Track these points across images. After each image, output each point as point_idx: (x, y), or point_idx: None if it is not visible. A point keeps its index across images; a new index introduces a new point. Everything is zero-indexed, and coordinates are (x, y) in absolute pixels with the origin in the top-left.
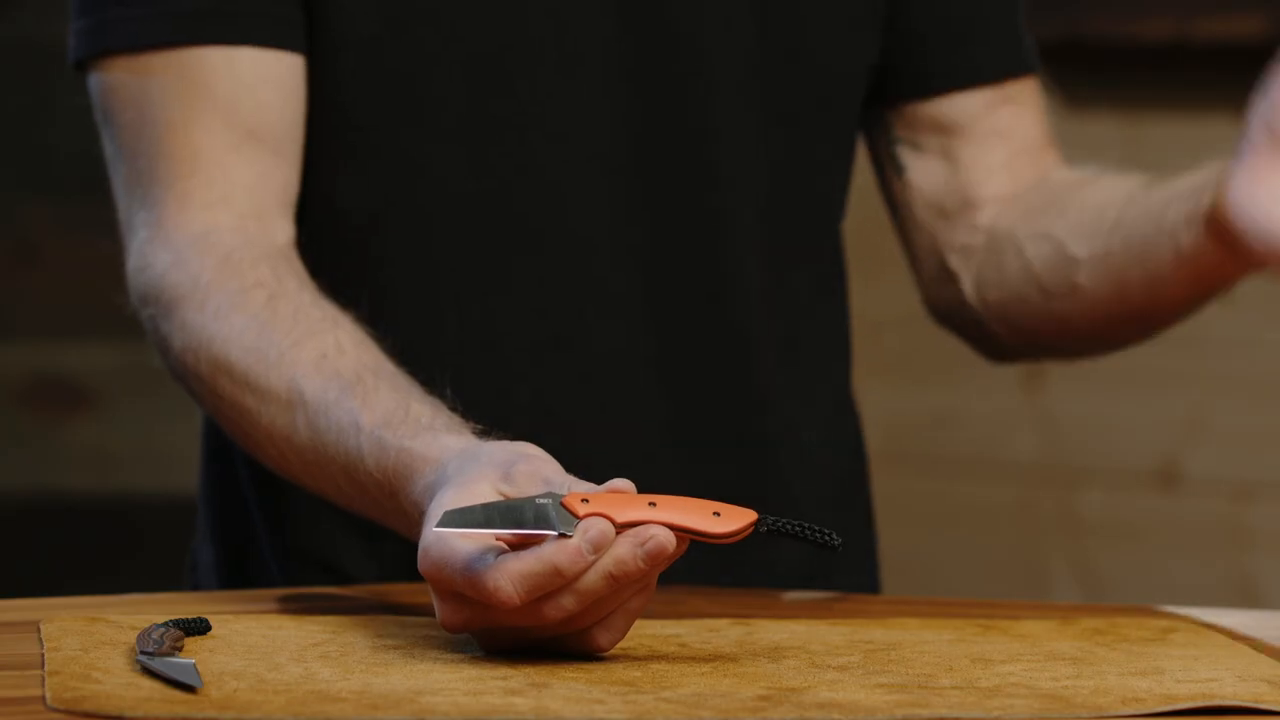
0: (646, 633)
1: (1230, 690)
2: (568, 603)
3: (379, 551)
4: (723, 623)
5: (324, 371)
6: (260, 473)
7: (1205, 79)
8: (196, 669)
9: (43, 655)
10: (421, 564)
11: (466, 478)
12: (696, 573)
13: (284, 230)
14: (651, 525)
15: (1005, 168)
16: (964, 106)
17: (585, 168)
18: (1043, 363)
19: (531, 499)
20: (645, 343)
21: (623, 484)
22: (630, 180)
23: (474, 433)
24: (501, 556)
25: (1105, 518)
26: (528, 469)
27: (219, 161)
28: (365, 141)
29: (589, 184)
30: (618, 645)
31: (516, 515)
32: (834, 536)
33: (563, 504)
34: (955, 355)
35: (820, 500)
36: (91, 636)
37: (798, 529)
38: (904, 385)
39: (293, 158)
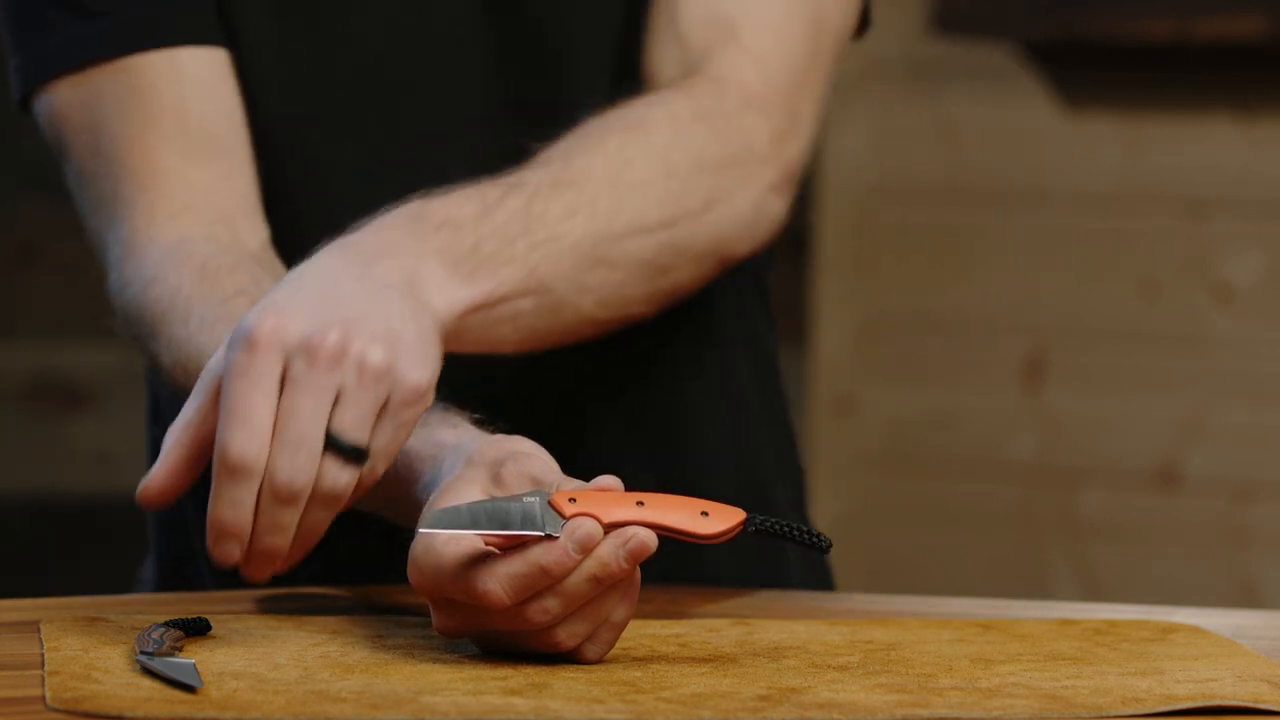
0: (646, 633)
1: (1230, 690)
2: (552, 605)
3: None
4: (723, 623)
5: None
6: (200, 487)
7: (1205, 79)
8: (196, 669)
9: (43, 655)
10: (410, 573)
11: (457, 480)
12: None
13: (255, 232)
14: (633, 524)
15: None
16: None
17: (472, 165)
18: (1043, 361)
19: (519, 498)
20: None
21: (610, 481)
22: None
23: (470, 421)
24: (489, 559)
25: (1105, 518)
26: (516, 469)
27: (178, 170)
28: (271, 144)
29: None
30: (617, 646)
31: (503, 516)
32: (822, 538)
33: (550, 503)
34: (955, 355)
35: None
36: (91, 636)
37: (786, 529)
38: (904, 385)
39: (247, 154)
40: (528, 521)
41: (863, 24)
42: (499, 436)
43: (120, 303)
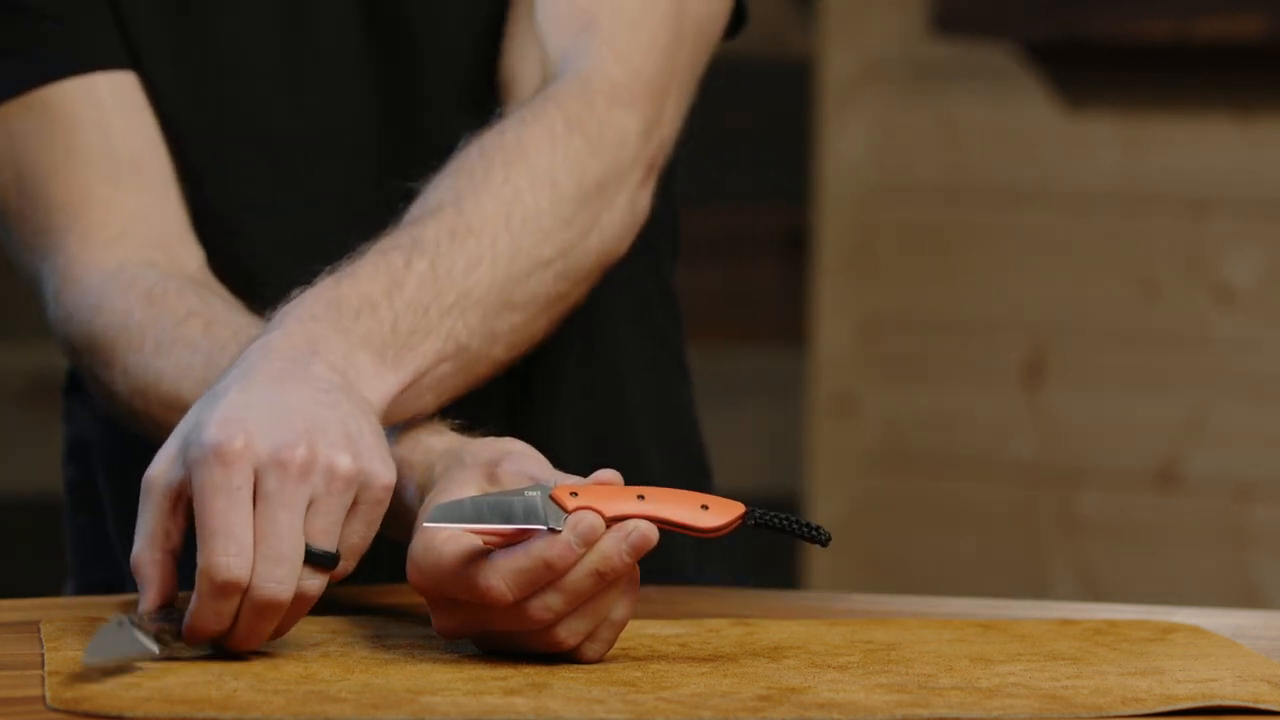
0: (646, 633)
1: (1230, 690)
2: (554, 602)
3: None
4: (723, 623)
5: None
6: (124, 514)
7: (1205, 79)
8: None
9: (43, 655)
10: (409, 573)
11: (452, 481)
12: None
13: (192, 255)
14: (634, 518)
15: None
16: None
17: (363, 183)
18: (1043, 361)
19: (520, 492)
20: None
21: (609, 475)
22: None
23: (454, 429)
24: (491, 555)
25: (1105, 518)
26: (513, 467)
27: (109, 196)
28: (178, 163)
29: (370, 197)
30: (617, 646)
31: (505, 509)
32: (821, 531)
33: (551, 497)
34: (955, 355)
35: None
36: (91, 637)
37: (786, 522)
38: (904, 385)
39: (171, 177)
40: (530, 515)
41: (738, 21)
42: (489, 439)
43: (64, 333)
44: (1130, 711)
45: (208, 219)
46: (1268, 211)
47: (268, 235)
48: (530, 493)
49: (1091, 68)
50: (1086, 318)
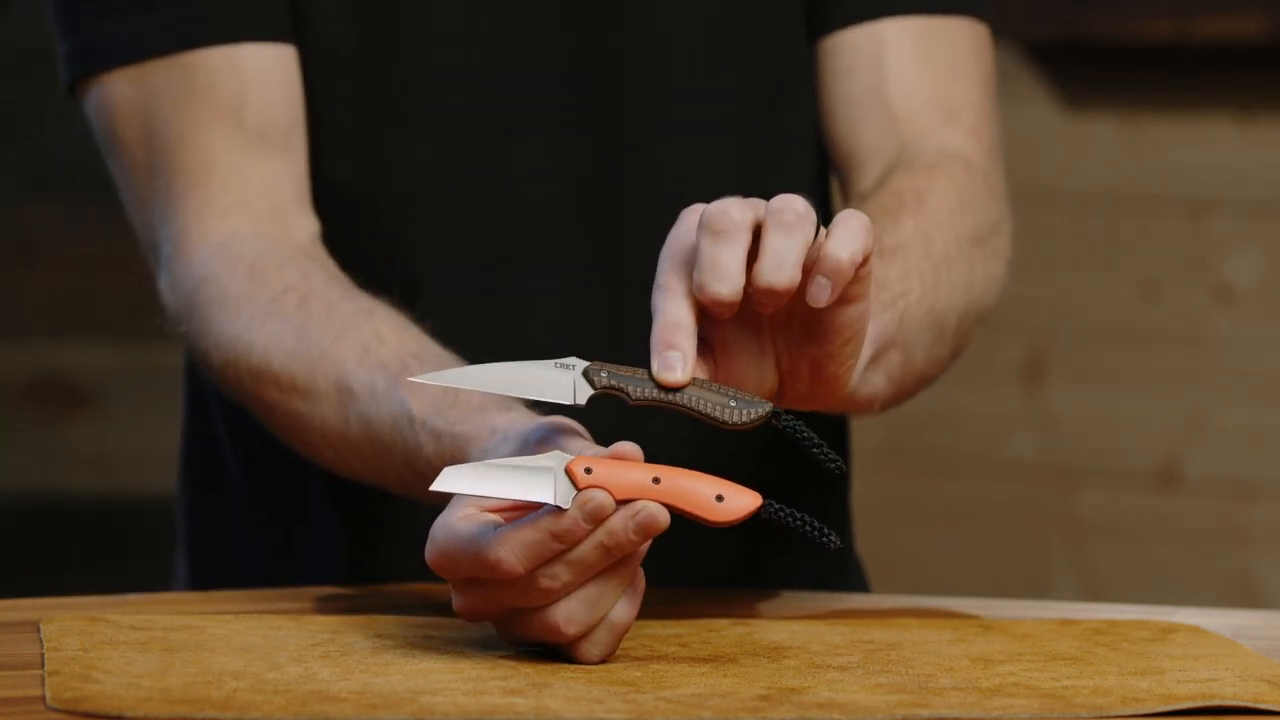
0: (646, 633)
1: (1230, 690)
2: (562, 573)
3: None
4: (723, 623)
5: (368, 364)
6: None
7: (1205, 79)
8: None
9: (43, 655)
10: (428, 554)
11: (492, 458)
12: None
13: (304, 227)
14: (644, 499)
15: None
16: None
17: (549, 166)
18: (1043, 361)
19: (536, 461)
20: (597, 330)
21: (629, 448)
22: (594, 179)
23: (525, 406)
24: (500, 527)
25: (1105, 518)
26: (541, 435)
27: (231, 166)
28: (340, 141)
29: (553, 181)
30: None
31: (516, 478)
32: (833, 536)
33: (566, 470)
34: None
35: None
36: (91, 636)
37: (799, 521)
38: None
39: (300, 150)
40: (535, 487)
41: None
42: (547, 418)
43: (170, 300)
44: (1130, 711)
45: (367, 184)
46: (1268, 211)
47: (435, 205)
48: (545, 463)
49: (1091, 68)
50: (1086, 318)
